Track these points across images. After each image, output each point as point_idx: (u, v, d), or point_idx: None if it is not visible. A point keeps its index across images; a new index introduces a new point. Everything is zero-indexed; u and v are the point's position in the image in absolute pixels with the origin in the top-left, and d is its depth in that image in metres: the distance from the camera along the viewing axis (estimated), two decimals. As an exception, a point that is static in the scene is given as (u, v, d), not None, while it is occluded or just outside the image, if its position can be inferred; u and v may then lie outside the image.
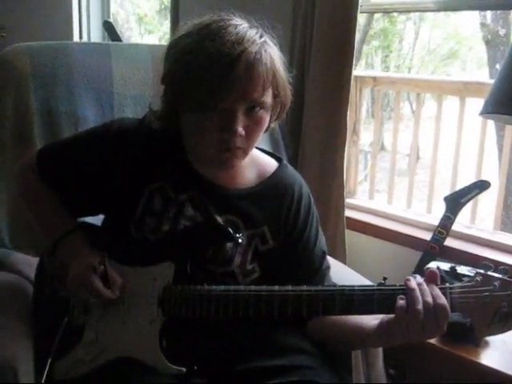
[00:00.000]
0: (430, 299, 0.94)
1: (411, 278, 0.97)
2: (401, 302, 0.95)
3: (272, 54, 1.05)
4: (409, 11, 3.68)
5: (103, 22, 3.05)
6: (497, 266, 0.96)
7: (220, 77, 0.99)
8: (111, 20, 3.26)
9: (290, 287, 1.03)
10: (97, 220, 1.28)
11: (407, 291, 0.96)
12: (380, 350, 1.33)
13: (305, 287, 1.03)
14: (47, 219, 1.22)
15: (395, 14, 5.02)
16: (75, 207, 1.22)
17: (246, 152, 1.10)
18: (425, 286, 0.96)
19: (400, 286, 0.99)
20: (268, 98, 1.06)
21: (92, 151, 1.18)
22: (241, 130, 1.04)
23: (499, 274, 0.94)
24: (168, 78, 1.07)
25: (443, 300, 0.94)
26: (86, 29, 3.33)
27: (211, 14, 1.08)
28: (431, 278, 0.98)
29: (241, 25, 1.04)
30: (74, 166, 1.19)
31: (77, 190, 1.20)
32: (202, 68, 0.99)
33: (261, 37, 1.05)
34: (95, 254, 1.11)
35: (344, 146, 1.99)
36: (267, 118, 1.09)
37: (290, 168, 1.24)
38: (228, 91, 1.00)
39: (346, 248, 2.05)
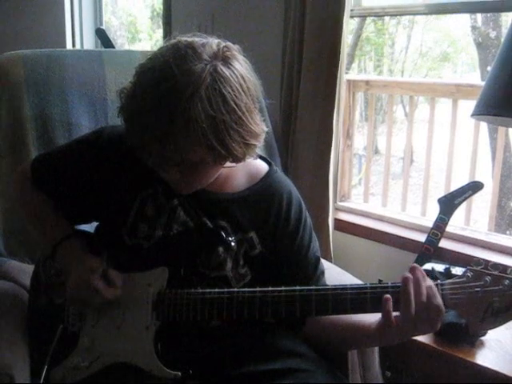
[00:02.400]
0: (423, 299, 0.94)
1: (409, 277, 0.96)
2: (387, 307, 0.96)
3: (215, 100, 0.95)
4: (400, 15, 3.69)
5: (96, 29, 3.05)
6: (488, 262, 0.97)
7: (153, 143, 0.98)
8: (104, 27, 3.27)
9: (282, 288, 1.03)
10: (91, 228, 1.28)
11: (401, 293, 0.96)
12: (376, 352, 1.33)
13: (297, 288, 1.03)
14: (44, 226, 1.22)
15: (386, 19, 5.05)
16: (70, 215, 1.22)
17: (194, 188, 1.10)
18: (421, 282, 0.95)
19: (392, 283, 0.99)
20: (196, 156, 0.99)
21: (84, 159, 1.19)
22: (178, 178, 1.04)
23: (490, 269, 0.95)
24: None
25: (437, 300, 0.94)
26: (78, 36, 3.34)
27: (176, 42, 1.01)
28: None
29: (189, 69, 0.95)
30: (67, 174, 1.20)
31: (71, 198, 1.20)
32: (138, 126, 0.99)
33: (204, 79, 0.94)
34: (93, 257, 1.11)
35: (330, 149, 2.00)
36: (208, 169, 1.06)
37: (280, 173, 1.23)
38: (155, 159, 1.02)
39: (331, 249, 2.06)
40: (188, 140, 0.96)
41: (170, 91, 0.94)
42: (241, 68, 1.01)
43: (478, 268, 0.95)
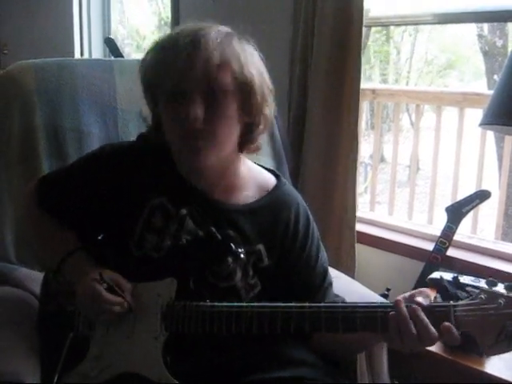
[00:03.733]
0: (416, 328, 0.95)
1: (400, 302, 0.97)
2: (393, 324, 0.96)
3: (235, 44, 1.06)
4: (406, 24, 3.71)
5: (105, 38, 3.08)
6: (504, 278, 0.95)
7: (170, 64, 1.04)
8: (112, 36, 3.30)
9: (292, 304, 1.02)
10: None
11: (396, 316, 0.96)
12: (385, 360, 1.33)
13: (307, 304, 1.02)
14: (52, 244, 1.22)
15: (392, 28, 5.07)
16: (77, 232, 1.22)
17: (214, 143, 1.07)
18: (412, 311, 0.95)
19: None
20: (225, 80, 1.05)
21: (89, 174, 1.20)
22: (199, 112, 1.04)
23: (504, 290, 0.94)
24: (141, 73, 1.13)
25: (430, 330, 0.94)
26: (87, 45, 3.37)
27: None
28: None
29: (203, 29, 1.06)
30: (73, 191, 1.20)
31: (77, 216, 1.21)
32: (161, 57, 1.07)
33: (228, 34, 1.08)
34: (97, 268, 1.11)
35: (356, 157, 2.00)
36: (229, 105, 1.07)
37: (288, 186, 1.24)
38: (177, 74, 1.04)
39: (355, 262, 2.05)
40: (215, 62, 1.02)
41: (191, 40, 1.03)
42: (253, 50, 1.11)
43: (492, 289, 0.94)
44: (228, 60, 1.04)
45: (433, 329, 0.94)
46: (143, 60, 1.11)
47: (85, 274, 1.11)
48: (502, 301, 0.92)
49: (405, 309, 0.95)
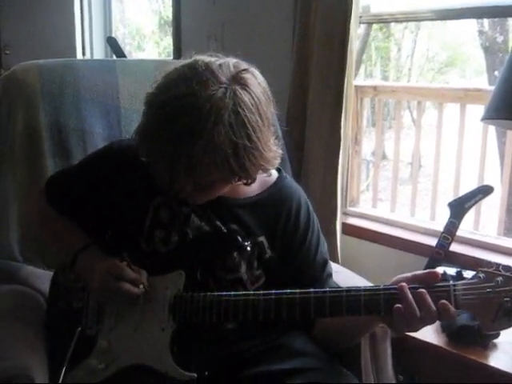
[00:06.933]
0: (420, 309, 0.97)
1: (405, 287, 0.98)
2: (398, 306, 0.97)
3: (236, 121, 0.97)
4: (408, 21, 3.71)
5: (107, 38, 3.09)
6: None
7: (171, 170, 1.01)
8: (114, 36, 3.30)
9: (297, 290, 1.05)
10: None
11: (402, 301, 0.98)
12: (389, 355, 1.34)
13: (312, 290, 1.04)
14: (64, 240, 1.25)
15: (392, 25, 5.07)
16: (86, 230, 1.25)
17: (211, 198, 1.12)
18: (419, 295, 0.97)
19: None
20: (217, 177, 1.04)
21: (97, 172, 1.22)
22: (192, 193, 1.07)
23: (502, 271, 0.96)
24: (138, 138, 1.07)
25: (433, 311, 0.96)
26: (88, 45, 3.38)
27: (194, 65, 1.01)
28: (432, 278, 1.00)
29: (212, 95, 0.96)
30: (81, 189, 1.23)
31: (86, 213, 1.24)
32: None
33: (227, 105, 0.97)
34: (114, 258, 1.13)
35: (338, 155, 2.02)
36: (222, 186, 1.09)
37: (290, 179, 1.26)
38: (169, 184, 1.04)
39: (339, 252, 2.08)
40: (212, 165, 0.98)
41: (195, 120, 0.96)
42: (257, 91, 1.02)
43: (490, 270, 0.97)
44: (232, 164, 0.99)
45: (435, 309, 0.96)
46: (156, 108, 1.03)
47: (100, 261, 1.13)
48: (499, 279, 0.95)
49: (410, 295, 0.97)
